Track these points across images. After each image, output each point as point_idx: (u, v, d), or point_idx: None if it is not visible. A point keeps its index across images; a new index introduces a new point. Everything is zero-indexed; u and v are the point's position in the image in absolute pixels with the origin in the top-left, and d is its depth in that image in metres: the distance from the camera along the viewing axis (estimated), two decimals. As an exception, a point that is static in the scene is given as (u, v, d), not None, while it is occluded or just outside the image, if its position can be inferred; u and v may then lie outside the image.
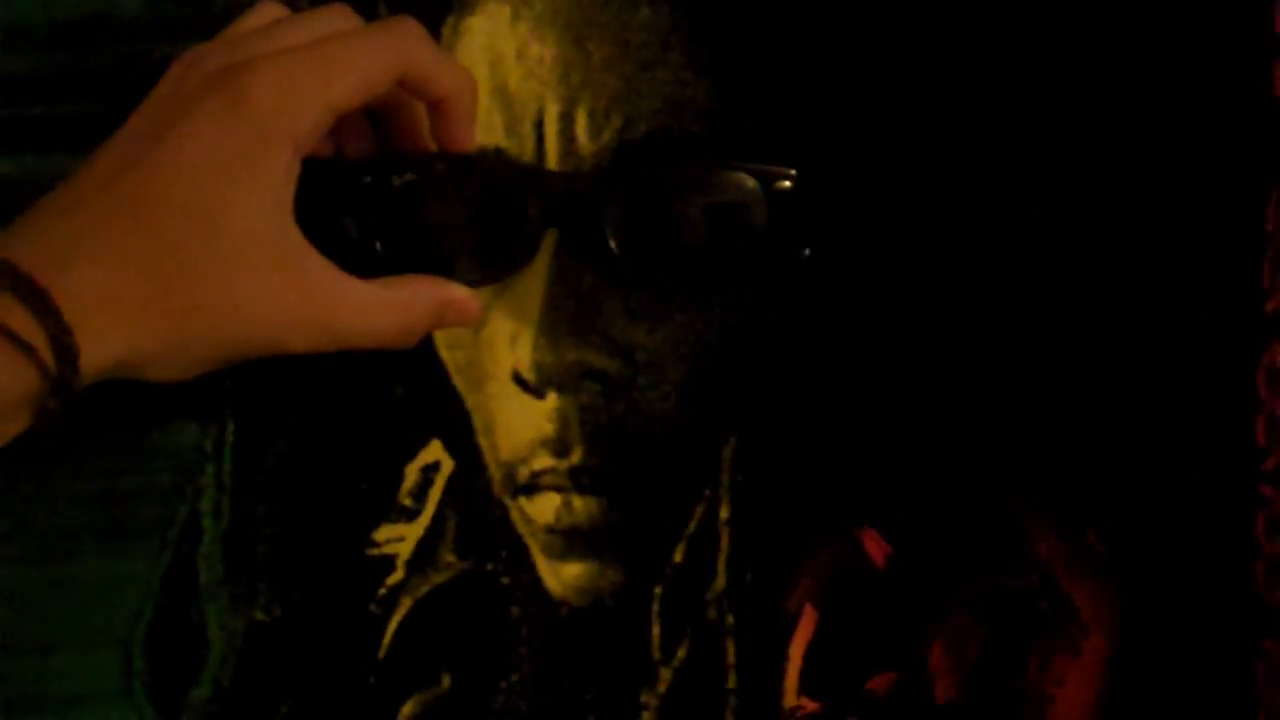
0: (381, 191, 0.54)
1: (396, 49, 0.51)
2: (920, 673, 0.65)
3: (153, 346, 0.48)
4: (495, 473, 0.66)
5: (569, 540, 0.65)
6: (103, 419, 0.61)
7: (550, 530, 0.65)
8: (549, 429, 0.64)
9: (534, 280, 0.62)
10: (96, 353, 0.47)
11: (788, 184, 0.57)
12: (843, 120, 0.63)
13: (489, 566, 0.67)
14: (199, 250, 0.48)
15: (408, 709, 0.67)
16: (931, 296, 0.64)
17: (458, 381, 0.66)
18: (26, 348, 0.45)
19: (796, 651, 0.65)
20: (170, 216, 0.48)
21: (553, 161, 0.63)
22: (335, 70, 0.49)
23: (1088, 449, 0.65)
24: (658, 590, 0.66)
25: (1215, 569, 0.65)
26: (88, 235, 0.47)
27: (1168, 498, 0.65)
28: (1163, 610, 0.65)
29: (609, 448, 0.65)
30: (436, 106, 0.54)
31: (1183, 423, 0.64)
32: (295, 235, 0.50)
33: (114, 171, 0.49)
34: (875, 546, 0.65)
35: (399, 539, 0.67)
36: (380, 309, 0.52)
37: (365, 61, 0.50)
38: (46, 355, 0.45)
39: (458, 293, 0.54)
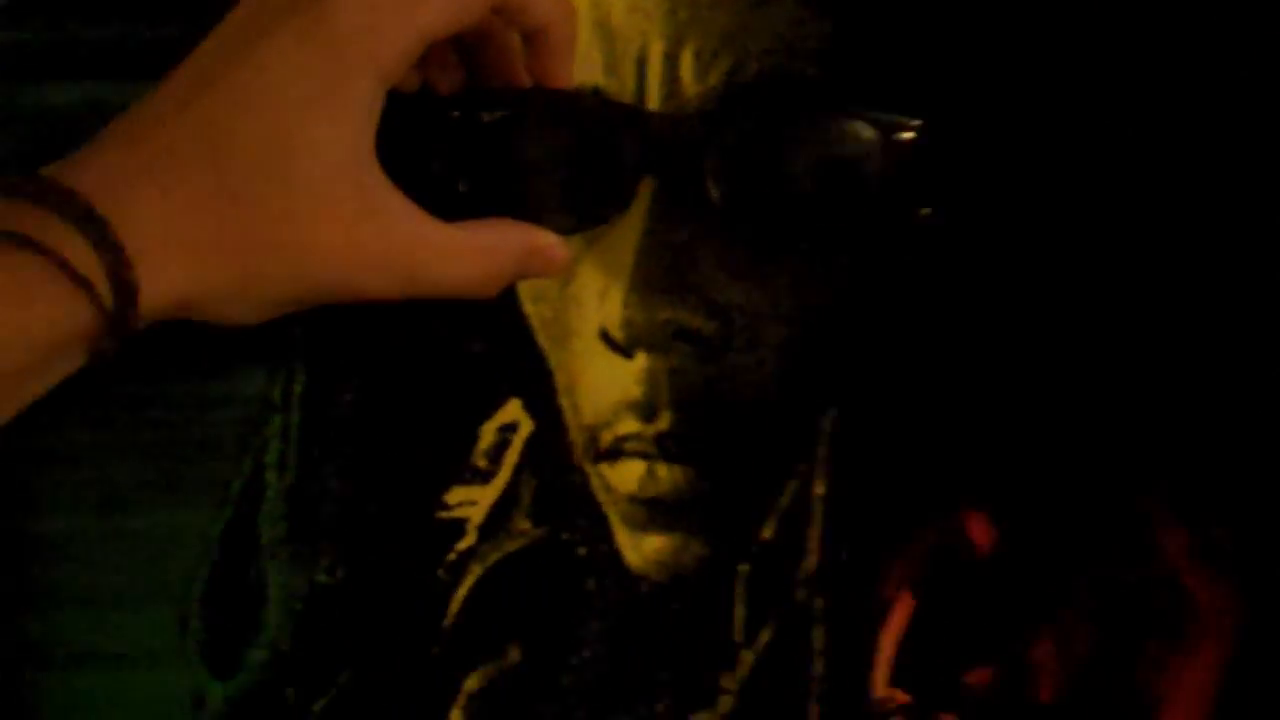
0: (469, 128, 0.53)
1: None
2: (1022, 669, 0.62)
3: (219, 285, 0.47)
4: (576, 436, 0.65)
5: (652, 511, 0.64)
6: (164, 364, 0.61)
7: (632, 500, 0.64)
8: (636, 392, 0.62)
9: (628, 231, 0.60)
10: (158, 290, 0.45)
11: (910, 135, 0.55)
12: (974, 71, 0.60)
13: (565, 535, 0.66)
14: (272, 184, 0.46)
15: (472, 682, 0.66)
16: (1058, 268, 0.61)
17: (541, 338, 0.65)
18: (84, 282, 0.43)
19: (889, 640, 0.63)
20: (243, 147, 0.46)
21: (654, 103, 0.61)
22: None
23: (1221, 442, 0.62)
24: (744, 568, 0.64)
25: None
26: (154, 164, 0.46)
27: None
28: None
29: (699, 414, 0.63)
30: (533, 38, 0.52)
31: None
32: (375, 171, 0.48)
33: (185, 97, 0.47)
34: (981, 531, 0.63)
35: (471, 503, 0.66)
36: (462, 254, 0.50)
37: None
38: (104, 291, 0.44)
39: (546, 240, 0.52)
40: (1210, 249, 0.60)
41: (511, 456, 0.66)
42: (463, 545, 0.66)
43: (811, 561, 0.64)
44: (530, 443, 0.66)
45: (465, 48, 0.54)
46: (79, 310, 0.44)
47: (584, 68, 0.60)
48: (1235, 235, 0.60)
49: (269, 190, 0.46)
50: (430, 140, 0.52)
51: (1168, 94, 0.60)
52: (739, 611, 0.64)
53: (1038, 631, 0.62)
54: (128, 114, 0.48)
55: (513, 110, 0.53)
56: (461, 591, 0.66)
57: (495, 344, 0.65)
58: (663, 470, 0.63)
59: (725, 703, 0.64)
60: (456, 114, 0.53)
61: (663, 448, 0.63)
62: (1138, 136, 0.60)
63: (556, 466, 0.66)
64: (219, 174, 0.46)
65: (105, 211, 0.44)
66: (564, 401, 0.65)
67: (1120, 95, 0.60)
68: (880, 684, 0.63)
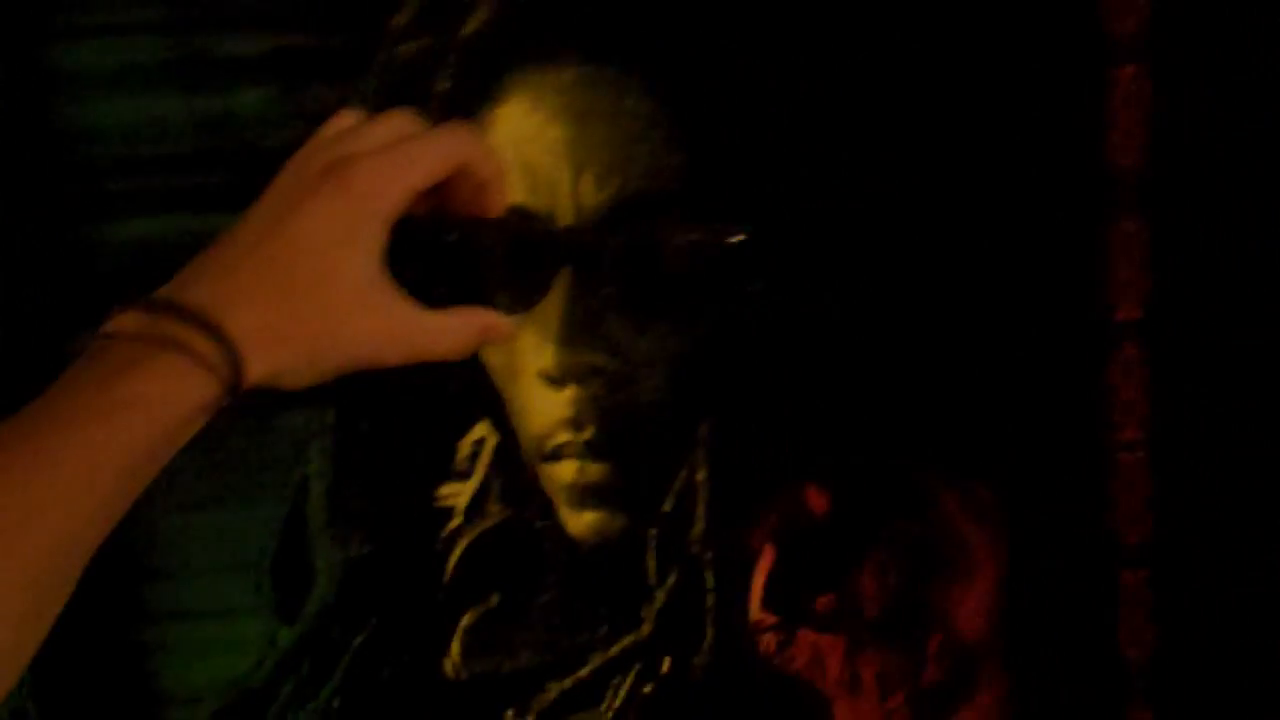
0: (437, 246, 0.65)
1: (457, 149, 0.61)
2: (853, 595, 0.76)
3: (290, 365, 0.58)
4: (526, 445, 0.79)
5: (584, 496, 0.77)
6: (241, 408, 0.74)
7: (569, 488, 0.78)
8: (568, 412, 0.76)
9: (554, 303, 0.75)
10: (254, 371, 0.56)
11: (741, 237, 0.72)
12: (787, 187, 0.77)
13: (525, 514, 0.80)
14: (321, 299, 0.58)
15: (466, 620, 0.81)
16: (852, 317, 0.78)
17: (496, 379, 0.79)
18: (212, 369, 0.55)
19: (759, 578, 0.76)
20: (300, 274, 0.58)
21: (565, 216, 0.76)
22: (415, 165, 0.60)
23: (976, 421, 0.78)
24: (652, 533, 0.78)
25: (1079, 513, 0.80)
26: (245, 287, 0.57)
27: (1042, 457, 0.79)
28: (1038, 546, 0.79)
29: (613, 426, 0.76)
30: (477, 183, 0.62)
31: (1048, 399, 0.79)
32: (386, 281, 0.59)
33: (257, 239, 0.58)
34: (818, 499, 0.77)
35: (457, 494, 0.81)
36: (445, 331, 0.61)
37: (436, 158, 0.61)
38: (224, 375, 0.55)
39: (497, 319, 0.63)
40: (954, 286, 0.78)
41: (484, 460, 0.80)
42: (453, 525, 0.80)
43: (700, 527, 0.77)
44: (497, 450, 0.81)
45: (432, 189, 0.65)
46: (209, 388, 0.55)
47: (513, 193, 0.71)
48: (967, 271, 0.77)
49: (319, 304, 0.57)
50: (414, 257, 0.61)
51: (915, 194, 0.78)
52: (651, 563, 0.77)
53: (861, 569, 0.76)
54: (214, 250, 0.58)
55: (465, 232, 0.64)
56: (454, 557, 0.80)
57: (468, 385, 0.79)
58: (590, 467, 0.76)
59: (646, 628, 0.77)
60: (429, 237, 0.63)
61: (589, 451, 0.76)
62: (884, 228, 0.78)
63: (516, 466, 0.79)
64: (286, 294, 0.57)
65: (219, 322, 0.55)
66: (515, 421, 0.79)
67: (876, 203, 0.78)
68: (755, 609, 0.75)
